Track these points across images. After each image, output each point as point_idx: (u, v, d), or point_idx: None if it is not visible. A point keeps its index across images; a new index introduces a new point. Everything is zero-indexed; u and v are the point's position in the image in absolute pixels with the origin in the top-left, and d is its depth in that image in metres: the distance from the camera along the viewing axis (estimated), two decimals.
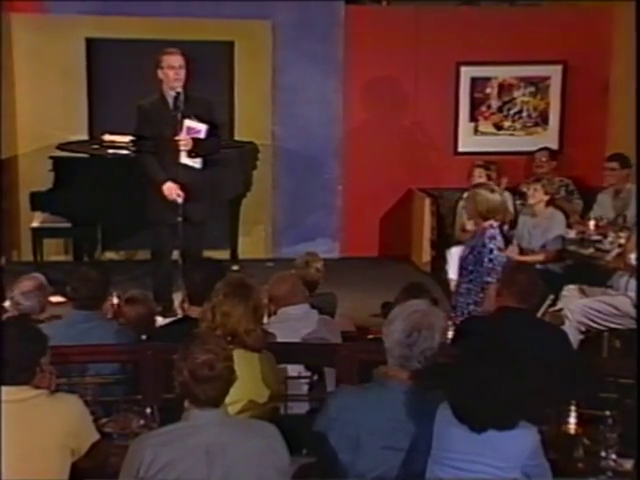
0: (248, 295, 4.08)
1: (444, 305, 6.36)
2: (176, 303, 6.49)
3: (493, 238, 5.89)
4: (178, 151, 6.72)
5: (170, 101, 6.81)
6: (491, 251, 5.85)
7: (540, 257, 7.42)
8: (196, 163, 6.86)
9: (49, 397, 3.51)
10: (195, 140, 6.74)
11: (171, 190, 6.74)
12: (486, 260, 5.86)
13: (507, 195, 8.51)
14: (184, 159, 6.77)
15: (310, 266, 6.10)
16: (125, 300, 5.54)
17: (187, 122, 6.74)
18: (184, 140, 6.70)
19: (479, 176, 8.44)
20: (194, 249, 6.91)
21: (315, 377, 4.88)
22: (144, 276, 7.87)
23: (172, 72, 6.75)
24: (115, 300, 5.60)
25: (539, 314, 6.10)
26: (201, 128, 6.79)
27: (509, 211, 8.39)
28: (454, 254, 7.48)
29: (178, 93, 6.75)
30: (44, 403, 3.48)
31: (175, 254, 6.93)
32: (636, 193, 7.53)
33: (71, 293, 5.00)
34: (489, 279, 5.84)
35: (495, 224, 5.97)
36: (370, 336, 5.95)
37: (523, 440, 3.17)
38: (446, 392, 3.25)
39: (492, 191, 6.07)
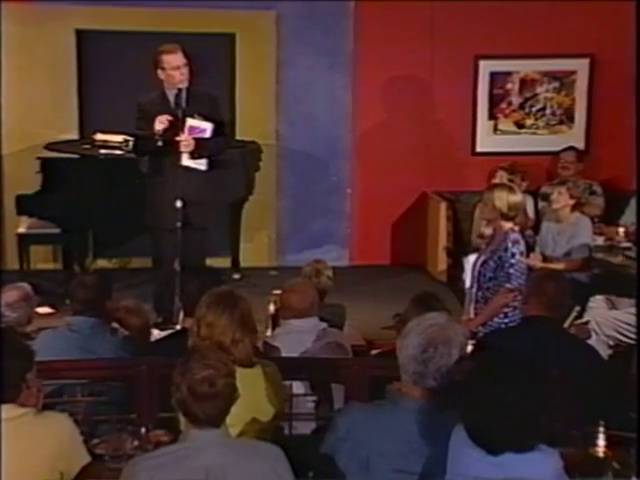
0: (233, 305, 4.07)
1: (460, 317, 6.37)
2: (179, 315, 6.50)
3: (517, 243, 5.90)
4: (179, 153, 6.72)
5: (171, 99, 6.82)
6: (513, 255, 5.85)
7: (565, 265, 7.41)
8: (200, 165, 6.86)
9: (36, 416, 3.51)
10: (198, 140, 6.74)
11: (162, 120, 6.69)
12: (507, 265, 5.86)
13: (528, 199, 8.50)
14: (186, 161, 6.77)
15: (322, 274, 6.10)
16: (117, 311, 5.55)
17: (190, 121, 6.75)
18: (185, 141, 6.71)
19: (501, 179, 8.41)
20: (197, 257, 6.92)
21: (322, 394, 4.88)
22: (139, 285, 7.89)
23: (177, 73, 6.76)
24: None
25: (564, 326, 6.09)
26: (206, 127, 6.79)
27: (529, 216, 8.38)
28: (472, 262, 7.46)
29: (180, 90, 6.75)
30: (31, 422, 3.47)
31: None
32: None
33: (71, 301, 5.10)
34: (507, 285, 5.84)
35: (516, 228, 5.98)
36: (374, 351, 5.93)
37: (543, 465, 3.15)
38: (462, 411, 3.23)
39: (511, 190, 6.07)
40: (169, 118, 6.69)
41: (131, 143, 7.62)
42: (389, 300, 7.70)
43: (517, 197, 6.02)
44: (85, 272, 7.69)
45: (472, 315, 6.12)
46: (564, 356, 4.56)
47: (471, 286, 6.22)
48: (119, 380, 4.57)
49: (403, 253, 9.85)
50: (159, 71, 6.83)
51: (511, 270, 5.86)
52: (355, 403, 3.92)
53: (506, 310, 5.89)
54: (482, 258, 6.10)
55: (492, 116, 9.83)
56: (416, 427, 3.37)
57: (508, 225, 5.96)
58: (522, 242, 5.98)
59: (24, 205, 8.24)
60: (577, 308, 6.54)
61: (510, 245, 5.87)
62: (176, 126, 6.71)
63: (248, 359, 4.00)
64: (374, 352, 5.89)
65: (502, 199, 5.95)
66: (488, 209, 6.06)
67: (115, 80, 9.18)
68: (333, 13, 9.51)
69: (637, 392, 4.06)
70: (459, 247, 9.04)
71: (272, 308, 5.92)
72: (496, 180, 8.44)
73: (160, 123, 6.70)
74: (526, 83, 9.82)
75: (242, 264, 9.16)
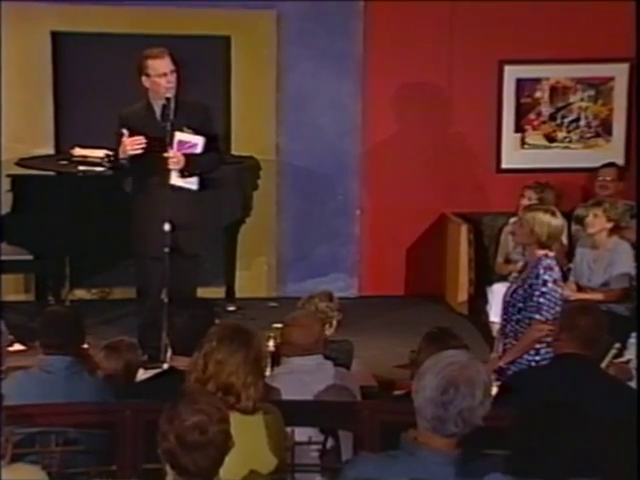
0: (248, 342, 4.07)
1: (484, 354, 6.37)
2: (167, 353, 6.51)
3: (549, 269, 5.92)
4: (167, 170, 6.74)
5: (158, 110, 6.84)
6: (545, 283, 5.86)
7: (602, 296, 7.40)
8: (191, 184, 6.89)
9: (5, 469, 3.49)
10: (189, 156, 6.76)
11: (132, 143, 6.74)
12: (537, 293, 5.86)
13: None
14: (175, 180, 6.79)
15: (311, 304, 6.09)
16: (101, 349, 5.55)
17: (179, 135, 6.77)
18: (174, 157, 6.73)
19: (529, 200, 8.40)
20: (187, 287, 6.92)
21: (329, 442, 4.87)
22: (122, 319, 7.88)
23: (164, 80, 6.81)
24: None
25: (602, 366, 6.08)
26: (197, 141, 6.82)
27: (562, 242, 8.38)
28: (497, 292, 7.46)
29: (167, 100, 6.77)
30: None
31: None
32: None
33: (40, 340, 5.09)
34: (537, 316, 5.84)
35: (551, 254, 5.98)
36: (396, 392, 5.93)
37: None
38: (489, 463, 3.22)
39: (553, 214, 6.07)
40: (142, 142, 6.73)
41: (113, 159, 7.63)
42: (403, 335, 7.70)
43: (558, 222, 6.04)
44: (53, 306, 7.65)
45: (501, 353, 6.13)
46: (601, 400, 4.53)
47: (501, 320, 6.22)
48: (99, 427, 4.56)
49: (419, 282, 9.84)
50: (143, 78, 6.87)
51: (541, 299, 5.86)
52: (366, 454, 3.91)
53: (538, 346, 5.88)
54: (513, 287, 6.11)
55: (519, 128, 9.84)
56: None
57: (542, 251, 5.97)
58: (556, 269, 5.99)
59: None
60: (617, 345, 6.51)
61: (542, 272, 5.89)
62: (163, 141, 6.73)
63: (255, 406, 4.00)
64: (397, 393, 5.89)
65: (543, 225, 5.95)
66: (524, 232, 6.07)
67: (95, 88, 9.20)
68: (340, 13, 9.53)
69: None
70: (482, 275, 9.03)
71: (271, 344, 5.92)
72: (524, 200, 8.43)
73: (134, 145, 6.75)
74: (557, 91, 9.83)
75: (238, 294, 9.16)
